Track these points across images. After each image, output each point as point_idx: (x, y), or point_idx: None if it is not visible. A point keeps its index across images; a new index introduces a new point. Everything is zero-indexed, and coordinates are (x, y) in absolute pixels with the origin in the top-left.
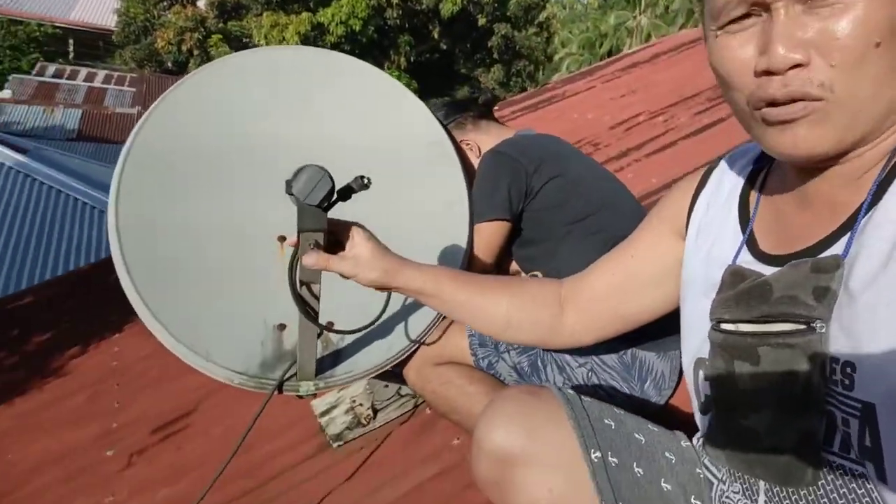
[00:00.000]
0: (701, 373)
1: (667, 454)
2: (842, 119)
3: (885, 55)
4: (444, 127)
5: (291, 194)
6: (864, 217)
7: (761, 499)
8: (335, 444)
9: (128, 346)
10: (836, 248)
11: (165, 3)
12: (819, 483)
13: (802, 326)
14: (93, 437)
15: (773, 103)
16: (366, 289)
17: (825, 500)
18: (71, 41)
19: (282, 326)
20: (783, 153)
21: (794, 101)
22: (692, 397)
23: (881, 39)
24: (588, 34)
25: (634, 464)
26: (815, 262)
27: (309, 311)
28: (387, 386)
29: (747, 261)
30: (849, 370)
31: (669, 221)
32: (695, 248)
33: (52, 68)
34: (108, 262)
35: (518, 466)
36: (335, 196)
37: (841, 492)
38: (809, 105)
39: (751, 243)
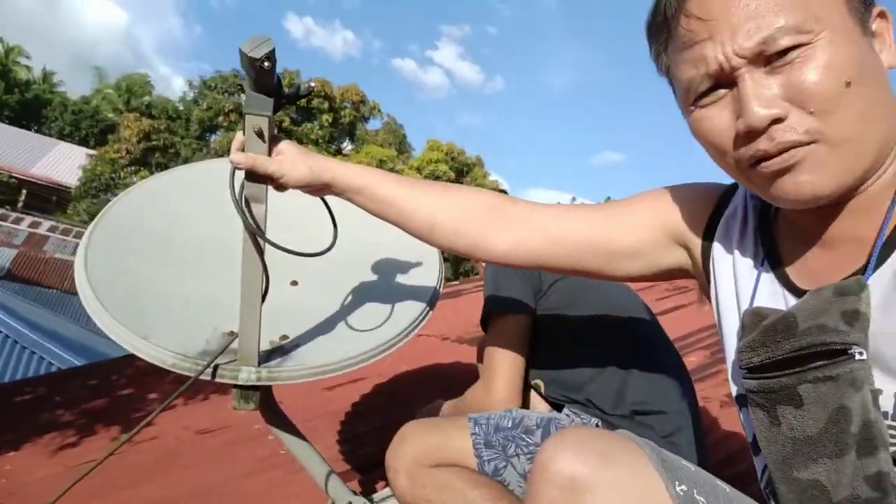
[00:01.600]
0: (745, 410)
1: None
2: (838, 159)
3: (860, 92)
4: None
5: (242, 55)
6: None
7: None
8: None
9: (22, 464)
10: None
11: (134, 168)
12: None
13: (840, 356)
14: None
15: (765, 157)
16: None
17: None
18: (24, 192)
19: (232, 333)
20: (788, 200)
21: (784, 151)
22: (746, 432)
23: (850, 79)
24: None
25: None
26: (838, 287)
27: (251, 218)
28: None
29: (774, 293)
30: None
31: (666, 220)
32: (721, 278)
33: None
34: (12, 385)
35: (590, 493)
36: (279, 85)
37: None
38: (803, 150)
39: (782, 278)
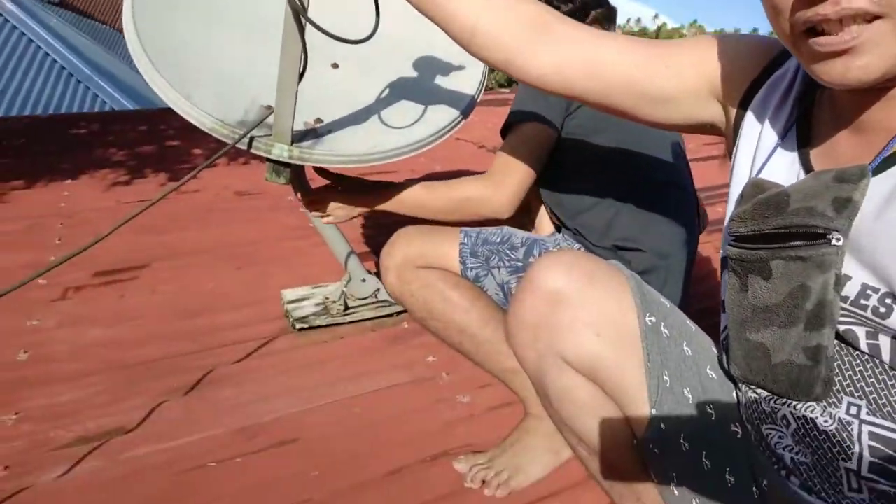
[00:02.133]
0: (725, 273)
1: (713, 349)
2: None
3: None
4: None
5: None
6: None
7: None
8: (298, 326)
9: (80, 192)
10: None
11: None
12: (833, 391)
13: (819, 239)
14: (25, 264)
15: (822, 31)
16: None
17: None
18: None
19: (269, 107)
20: (830, 82)
21: (845, 21)
22: (721, 291)
23: None
24: None
25: (685, 343)
26: (839, 171)
27: None
28: (364, 280)
29: (791, 168)
30: (889, 301)
31: (712, 73)
32: (744, 142)
33: None
34: (67, 117)
35: (569, 308)
36: None
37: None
38: (866, 29)
39: (803, 156)
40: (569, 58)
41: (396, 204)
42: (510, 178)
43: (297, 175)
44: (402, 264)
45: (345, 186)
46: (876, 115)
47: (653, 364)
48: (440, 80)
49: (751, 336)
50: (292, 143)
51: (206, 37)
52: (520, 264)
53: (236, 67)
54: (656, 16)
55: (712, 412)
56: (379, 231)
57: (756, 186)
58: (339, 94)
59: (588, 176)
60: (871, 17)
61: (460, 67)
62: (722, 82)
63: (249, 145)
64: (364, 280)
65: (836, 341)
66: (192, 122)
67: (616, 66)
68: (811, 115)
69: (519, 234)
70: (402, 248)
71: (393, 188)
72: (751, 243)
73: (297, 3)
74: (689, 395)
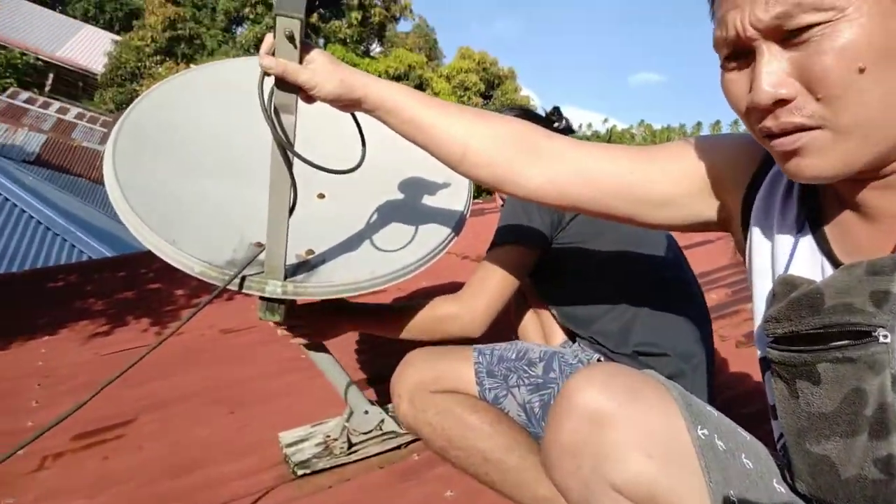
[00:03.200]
0: (770, 377)
1: (770, 459)
2: (844, 146)
3: (879, 78)
4: None
5: None
6: None
7: None
8: (300, 472)
9: (58, 348)
10: None
11: (159, 58)
12: None
13: (864, 337)
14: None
15: (770, 135)
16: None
17: None
18: (51, 75)
19: (259, 244)
20: (792, 177)
21: (787, 132)
22: (768, 395)
23: (865, 65)
24: None
25: (743, 455)
26: (871, 264)
27: (280, 129)
28: (367, 412)
29: (813, 261)
30: None
31: (709, 173)
32: (758, 238)
33: (25, 95)
34: (45, 271)
35: (613, 429)
36: None
37: None
38: (805, 135)
39: (823, 246)
40: (560, 172)
41: (378, 325)
42: (479, 299)
43: (291, 310)
44: (415, 389)
45: (328, 306)
46: (880, 204)
47: (716, 484)
48: (427, 200)
49: (812, 448)
50: (285, 278)
51: (187, 179)
52: (540, 381)
53: (220, 206)
54: (606, 119)
55: None
56: (376, 355)
57: (787, 283)
58: (327, 223)
59: (596, 282)
60: (810, 127)
61: (445, 185)
62: (722, 181)
63: (241, 285)
64: (367, 412)
65: None
66: (180, 268)
67: (610, 174)
68: (820, 204)
69: (536, 349)
70: (415, 372)
71: (374, 310)
72: (790, 345)
73: (283, 138)
74: None
